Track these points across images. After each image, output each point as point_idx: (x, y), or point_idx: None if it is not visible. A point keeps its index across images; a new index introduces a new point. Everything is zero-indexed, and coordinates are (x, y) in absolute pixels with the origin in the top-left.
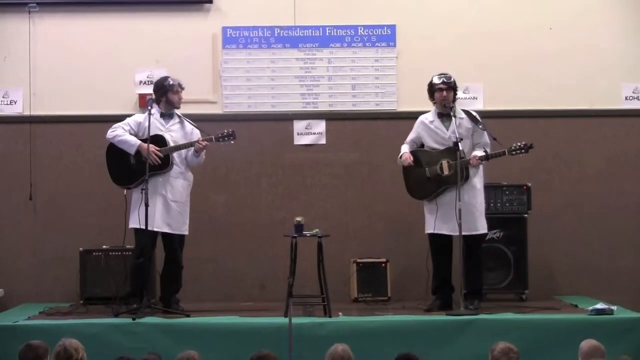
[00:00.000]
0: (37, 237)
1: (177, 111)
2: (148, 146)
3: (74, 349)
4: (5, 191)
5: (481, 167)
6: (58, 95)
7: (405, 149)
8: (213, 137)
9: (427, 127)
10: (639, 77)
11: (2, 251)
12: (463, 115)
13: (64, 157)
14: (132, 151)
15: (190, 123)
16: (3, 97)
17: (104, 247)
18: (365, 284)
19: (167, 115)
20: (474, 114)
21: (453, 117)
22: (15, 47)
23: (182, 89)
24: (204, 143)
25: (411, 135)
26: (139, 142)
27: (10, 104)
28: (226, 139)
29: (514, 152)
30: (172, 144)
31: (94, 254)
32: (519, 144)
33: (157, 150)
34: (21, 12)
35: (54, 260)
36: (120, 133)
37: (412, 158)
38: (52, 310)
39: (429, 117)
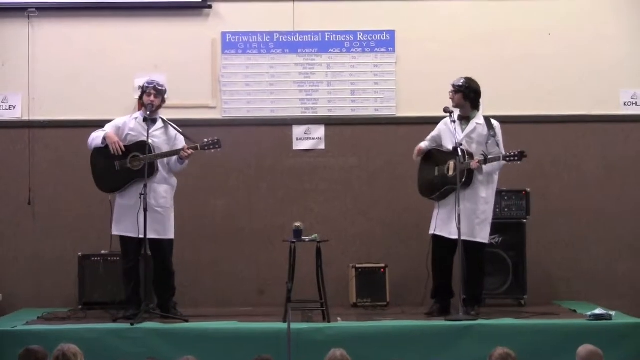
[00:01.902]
0: (35, 242)
1: (162, 116)
2: (152, 143)
3: (73, 354)
4: (4, 196)
5: (495, 177)
6: (57, 100)
7: (422, 145)
8: (199, 145)
9: (447, 127)
10: (637, 83)
11: (0, 256)
12: (481, 121)
13: (62, 162)
14: (100, 141)
15: (175, 128)
16: (2, 102)
17: (103, 252)
18: (364, 289)
19: (150, 120)
20: (493, 122)
21: (453, 122)
22: (15, 52)
23: (157, 92)
24: (189, 152)
25: (432, 133)
26: (105, 131)
27: (10, 108)
28: (212, 147)
29: (507, 159)
30: (155, 149)
31: (93, 259)
32: (514, 151)
33: (121, 145)
34: (20, 17)
35: (52, 265)
36: (94, 136)
37: (422, 153)
38: (50, 315)
39: (446, 121)
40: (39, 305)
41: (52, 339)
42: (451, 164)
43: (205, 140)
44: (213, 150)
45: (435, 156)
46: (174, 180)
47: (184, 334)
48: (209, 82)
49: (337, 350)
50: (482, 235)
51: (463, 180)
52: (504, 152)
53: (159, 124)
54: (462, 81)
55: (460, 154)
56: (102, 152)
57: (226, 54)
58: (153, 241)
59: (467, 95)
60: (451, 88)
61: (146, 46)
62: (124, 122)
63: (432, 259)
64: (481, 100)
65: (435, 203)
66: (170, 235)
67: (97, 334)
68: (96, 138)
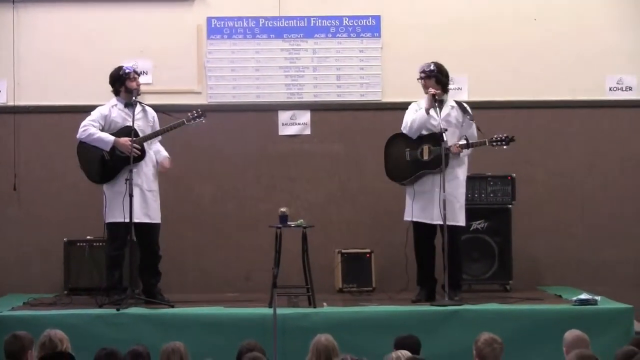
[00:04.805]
0: (21, 228)
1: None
2: (130, 141)
3: (59, 339)
4: None
5: (465, 159)
6: (42, 86)
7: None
8: (184, 119)
9: (419, 111)
10: (622, 69)
11: None
12: (454, 104)
13: (48, 147)
14: (108, 148)
15: (151, 109)
16: None
17: (88, 237)
18: (349, 274)
19: (130, 105)
20: (465, 105)
21: (435, 109)
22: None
23: (138, 75)
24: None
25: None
26: (113, 138)
27: None
28: (197, 119)
29: (494, 143)
30: (141, 134)
31: (78, 244)
32: (500, 135)
33: (131, 140)
34: (5, 3)
35: (38, 251)
36: (93, 131)
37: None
38: (36, 301)
39: (420, 104)
40: (25, 291)
41: (38, 325)
42: (425, 148)
43: (189, 114)
44: (198, 122)
45: (404, 140)
46: (154, 160)
47: (170, 319)
48: (194, 68)
49: (322, 335)
50: (463, 218)
51: (441, 164)
52: (476, 135)
53: (138, 107)
54: (432, 66)
55: (445, 138)
56: (88, 144)
57: (211, 39)
58: (144, 225)
59: (439, 79)
60: (421, 74)
61: (132, 31)
62: (109, 110)
63: (415, 246)
64: (465, 85)
65: (407, 188)
66: (159, 219)
67: (83, 319)
68: (98, 140)
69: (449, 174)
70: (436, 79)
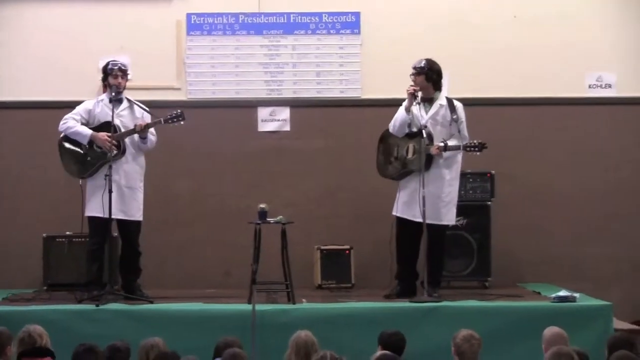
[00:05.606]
0: (0, 223)
1: (126, 96)
2: (109, 136)
3: (38, 335)
4: None
5: (459, 157)
6: (22, 81)
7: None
8: (162, 119)
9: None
10: (602, 66)
11: None
12: (444, 102)
13: (27, 143)
14: (85, 141)
15: (140, 107)
16: None
17: (68, 233)
18: (329, 271)
19: (115, 101)
20: (456, 103)
21: (418, 104)
22: None
23: (123, 72)
24: (143, 123)
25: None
26: (90, 131)
27: None
28: (175, 120)
29: (468, 149)
30: (122, 130)
31: (57, 240)
32: (474, 141)
33: (109, 136)
34: None
35: (17, 246)
36: (72, 124)
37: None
38: (15, 296)
39: (417, 100)
40: (4, 286)
41: (16, 321)
42: (410, 146)
43: (169, 114)
44: (176, 123)
45: (395, 136)
46: (142, 161)
47: (149, 315)
48: (173, 64)
49: (301, 331)
50: (448, 217)
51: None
52: (466, 134)
53: (125, 103)
54: (423, 62)
55: (425, 136)
56: (69, 138)
57: (191, 35)
58: (121, 222)
59: (430, 76)
60: (412, 70)
61: (111, 27)
62: (93, 105)
63: (397, 241)
64: (444, 82)
65: (397, 183)
66: (138, 216)
67: (63, 315)
68: (76, 133)
69: (432, 173)
70: (426, 76)
